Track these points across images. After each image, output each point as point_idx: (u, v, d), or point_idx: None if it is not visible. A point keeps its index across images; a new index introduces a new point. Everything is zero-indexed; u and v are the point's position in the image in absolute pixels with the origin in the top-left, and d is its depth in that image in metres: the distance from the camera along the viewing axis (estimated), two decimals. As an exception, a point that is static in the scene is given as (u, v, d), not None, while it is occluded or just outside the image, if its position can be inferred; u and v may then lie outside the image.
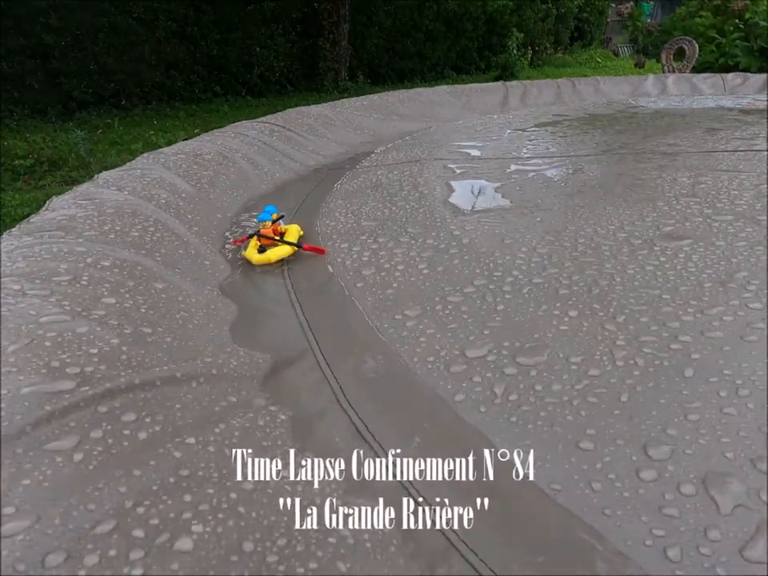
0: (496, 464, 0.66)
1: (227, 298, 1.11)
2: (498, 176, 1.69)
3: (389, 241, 1.29)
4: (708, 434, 0.65)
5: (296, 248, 1.28)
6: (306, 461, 0.67)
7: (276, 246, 1.28)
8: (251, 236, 1.33)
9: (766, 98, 2.91)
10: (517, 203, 1.43)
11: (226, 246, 1.38)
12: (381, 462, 0.68)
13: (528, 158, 1.90)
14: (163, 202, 1.41)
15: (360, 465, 0.68)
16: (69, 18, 6.96)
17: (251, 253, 1.27)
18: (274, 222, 1.34)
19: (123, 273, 1.01)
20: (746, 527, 0.54)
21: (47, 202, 1.32)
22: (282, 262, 1.27)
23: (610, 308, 0.91)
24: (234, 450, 0.66)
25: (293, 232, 1.36)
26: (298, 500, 0.61)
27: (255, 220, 1.37)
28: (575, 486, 0.62)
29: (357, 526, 0.58)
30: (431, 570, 0.55)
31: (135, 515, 0.54)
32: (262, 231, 1.30)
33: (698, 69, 5.76)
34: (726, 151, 1.71)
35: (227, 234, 1.46)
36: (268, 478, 0.63)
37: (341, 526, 0.58)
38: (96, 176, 1.53)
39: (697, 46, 5.77)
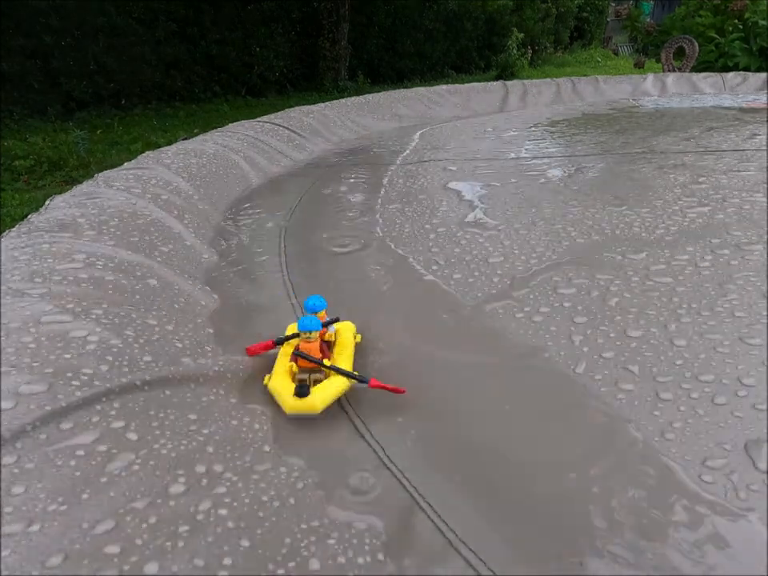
0: (499, 463, 0.66)
1: (225, 297, 1.11)
2: (498, 176, 1.69)
3: (391, 240, 1.29)
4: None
5: (361, 381, 0.78)
6: (305, 460, 0.67)
7: (320, 374, 0.79)
8: (278, 343, 0.85)
9: (765, 98, 2.91)
10: (516, 204, 1.43)
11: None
12: (380, 461, 0.68)
13: (528, 158, 1.89)
14: (163, 201, 1.41)
15: (359, 464, 0.68)
16: (69, 18, 6.96)
17: (284, 394, 0.75)
18: (324, 325, 0.85)
19: (123, 272, 1.01)
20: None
21: (47, 201, 1.32)
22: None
23: (608, 311, 0.91)
24: (232, 450, 0.66)
25: (345, 341, 0.87)
26: (296, 499, 0.61)
27: (297, 329, 0.83)
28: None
29: (357, 526, 0.58)
30: (430, 570, 0.55)
31: (135, 515, 0.55)
32: (301, 347, 0.80)
33: (697, 69, 5.75)
34: (726, 150, 1.71)
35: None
36: (267, 478, 0.63)
37: (341, 526, 0.58)
38: (96, 176, 1.53)
39: (697, 45, 5.76)
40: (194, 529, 0.54)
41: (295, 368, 0.79)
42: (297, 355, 0.79)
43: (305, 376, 0.78)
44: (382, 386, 0.77)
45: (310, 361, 0.78)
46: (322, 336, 0.83)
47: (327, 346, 0.84)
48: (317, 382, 0.77)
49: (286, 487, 0.62)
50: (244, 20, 8.57)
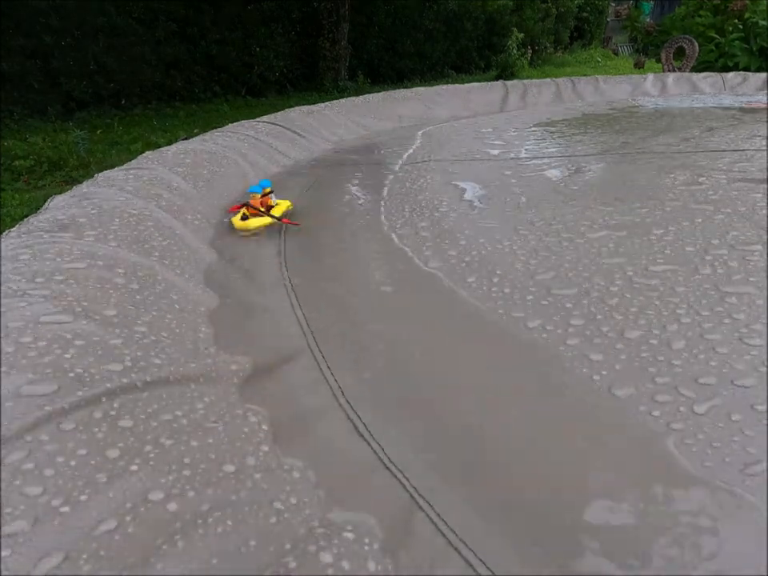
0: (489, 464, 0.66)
1: (225, 297, 1.11)
2: (498, 176, 1.70)
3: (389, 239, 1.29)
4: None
5: (275, 220, 1.46)
6: (305, 461, 0.67)
7: (259, 216, 1.47)
8: (243, 205, 1.49)
9: (765, 98, 2.91)
10: (516, 204, 1.43)
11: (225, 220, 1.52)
12: (380, 461, 0.68)
13: (528, 158, 1.89)
14: (163, 201, 1.41)
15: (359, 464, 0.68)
16: (69, 18, 6.96)
17: (236, 219, 1.45)
18: (263, 195, 1.51)
19: (123, 272, 1.01)
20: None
21: (47, 201, 1.32)
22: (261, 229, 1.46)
23: (608, 311, 0.91)
24: (232, 450, 0.66)
25: (282, 206, 1.56)
26: (296, 499, 0.61)
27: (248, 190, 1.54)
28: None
29: (357, 526, 0.58)
30: (430, 570, 0.55)
31: (135, 515, 0.55)
32: (251, 202, 1.47)
33: (697, 69, 5.75)
34: (726, 150, 1.71)
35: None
36: (267, 478, 0.63)
37: (341, 526, 0.58)
38: (96, 176, 1.53)
39: (697, 45, 5.76)
40: (194, 529, 0.54)
41: (246, 212, 1.46)
42: (247, 205, 1.47)
43: (247, 215, 1.46)
44: (288, 221, 1.48)
45: (246, 204, 1.47)
46: (266, 202, 1.52)
47: (266, 206, 1.51)
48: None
49: (286, 487, 0.62)
50: (244, 20, 8.57)
